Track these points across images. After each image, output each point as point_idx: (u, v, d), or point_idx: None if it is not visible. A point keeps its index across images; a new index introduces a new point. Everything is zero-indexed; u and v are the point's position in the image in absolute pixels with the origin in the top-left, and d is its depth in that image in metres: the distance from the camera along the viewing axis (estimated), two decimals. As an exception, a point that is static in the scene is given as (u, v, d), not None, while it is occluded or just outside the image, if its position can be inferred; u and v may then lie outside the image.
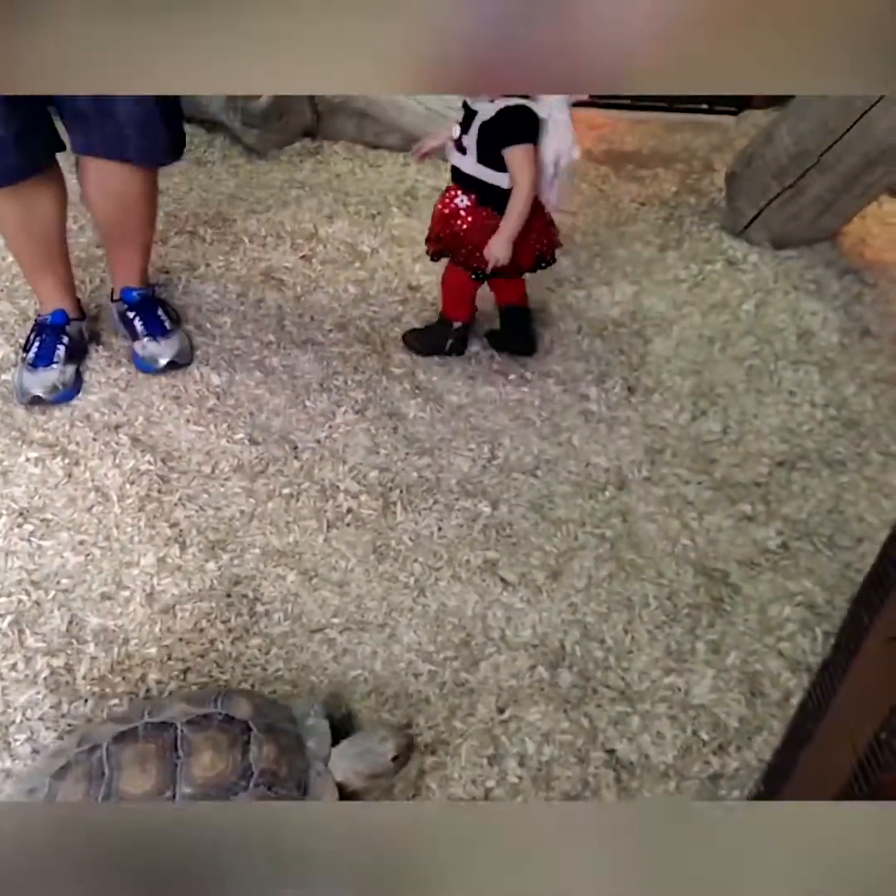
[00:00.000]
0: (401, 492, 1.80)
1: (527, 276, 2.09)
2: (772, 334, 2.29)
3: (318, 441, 1.91)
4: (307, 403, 2.00)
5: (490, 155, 1.83)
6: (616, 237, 2.69)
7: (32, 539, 1.63)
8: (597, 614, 1.60)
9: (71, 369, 1.96)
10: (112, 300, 2.12)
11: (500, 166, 1.83)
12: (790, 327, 2.31)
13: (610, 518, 1.77)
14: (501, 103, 1.76)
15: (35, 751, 1.33)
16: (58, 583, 1.57)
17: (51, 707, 1.38)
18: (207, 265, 2.42)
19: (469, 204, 1.91)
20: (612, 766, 1.38)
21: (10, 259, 2.12)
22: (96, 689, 1.41)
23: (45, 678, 1.42)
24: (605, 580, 1.65)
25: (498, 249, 1.87)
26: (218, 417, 1.94)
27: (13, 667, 1.43)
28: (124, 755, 1.16)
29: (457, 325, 2.14)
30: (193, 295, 2.30)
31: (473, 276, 2.01)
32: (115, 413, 1.93)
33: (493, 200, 1.87)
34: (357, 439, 1.92)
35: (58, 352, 1.95)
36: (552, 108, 1.78)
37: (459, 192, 1.92)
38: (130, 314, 2.05)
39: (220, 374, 2.06)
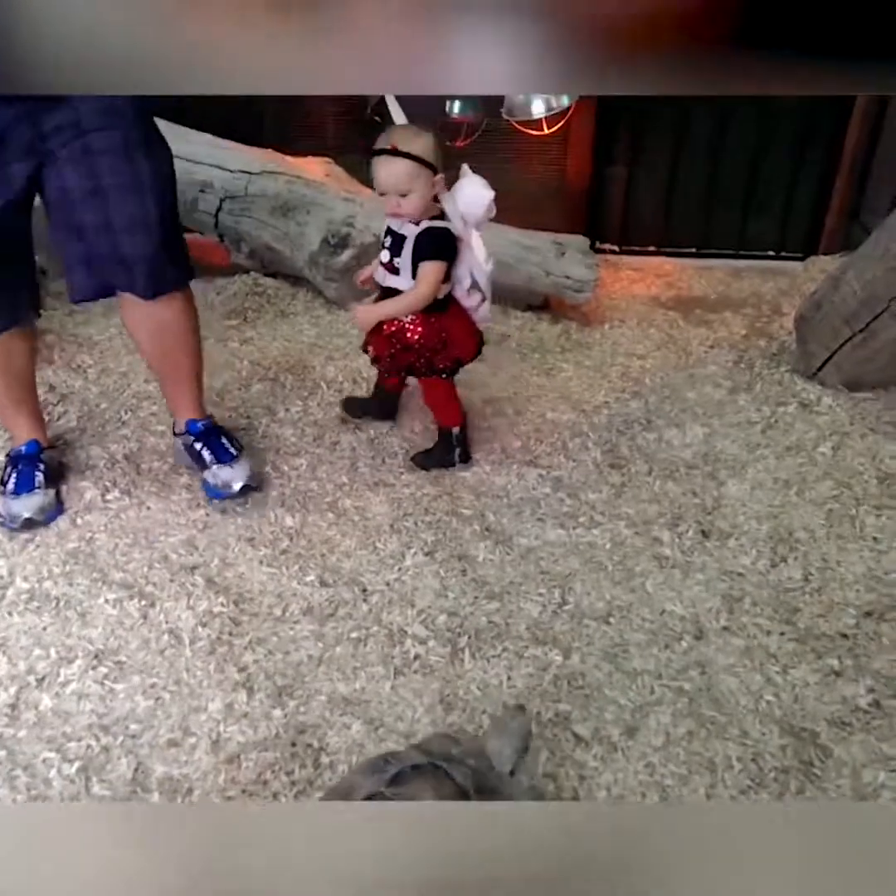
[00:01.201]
0: (469, 638, 1.77)
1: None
2: (851, 478, 2.23)
3: (388, 584, 1.91)
4: (377, 545, 2.02)
5: (415, 271, 2.03)
6: (686, 379, 2.71)
7: (106, 682, 1.65)
8: (676, 776, 1.50)
9: (52, 492, 2.07)
10: (175, 435, 2.21)
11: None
12: (870, 470, 2.26)
13: (687, 670, 1.70)
14: (426, 225, 1.98)
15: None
16: (126, 728, 1.57)
17: (110, 860, 1.35)
18: (287, 410, 2.52)
19: (413, 317, 2.08)
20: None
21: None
22: (157, 842, 1.38)
23: (107, 829, 1.40)
24: (683, 738, 1.56)
25: (362, 313, 2.11)
26: (290, 559, 1.97)
27: (77, 815, 1.41)
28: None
29: (456, 431, 2.27)
30: (272, 438, 2.39)
31: (444, 376, 2.16)
32: (191, 554, 1.97)
33: (429, 308, 2.07)
34: (426, 582, 1.91)
35: (37, 477, 2.06)
36: (465, 229, 2.01)
37: None
38: (197, 445, 2.13)
39: (294, 515, 2.10)
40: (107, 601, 1.82)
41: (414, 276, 2.02)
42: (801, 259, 3.60)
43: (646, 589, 1.90)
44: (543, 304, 3.12)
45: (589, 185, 3.57)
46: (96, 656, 1.70)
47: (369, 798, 1.20)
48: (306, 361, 2.77)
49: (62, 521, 2.05)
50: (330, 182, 3.11)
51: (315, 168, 3.16)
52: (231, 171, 3.02)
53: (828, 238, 3.56)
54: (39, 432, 2.16)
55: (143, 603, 1.82)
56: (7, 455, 2.15)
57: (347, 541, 2.04)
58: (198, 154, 3.02)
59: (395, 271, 2.07)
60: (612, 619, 1.82)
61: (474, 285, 2.11)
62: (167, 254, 1.94)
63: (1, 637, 1.74)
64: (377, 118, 3.50)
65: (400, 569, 1.95)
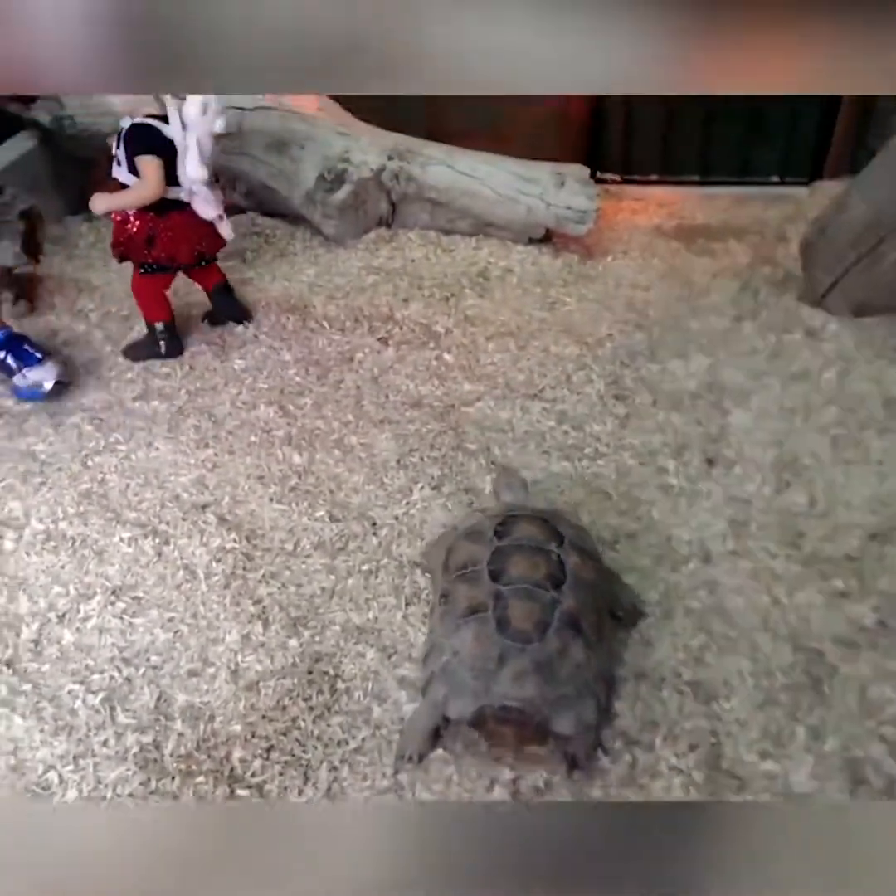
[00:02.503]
0: (479, 568, 1.80)
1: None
2: (856, 403, 2.24)
3: (396, 517, 1.93)
4: (385, 480, 2.04)
5: (133, 165, 2.17)
6: (689, 310, 2.70)
7: (125, 616, 1.68)
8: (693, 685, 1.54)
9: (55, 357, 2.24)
10: None
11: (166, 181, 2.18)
12: (875, 395, 2.26)
13: (696, 590, 1.73)
14: (132, 120, 2.15)
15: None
16: (147, 660, 1.60)
17: (140, 784, 1.40)
18: (289, 350, 2.51)
19: (135, 211, 2.24)
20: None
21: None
22: (183, 766, 1.43)
23: (134, 755, 1.44)
24: (698, 650, 1.60)
25: (94, 200, 2.25)
26: (299, 496, 1.99)
27: (104, 743, 1.46)
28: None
29: (160, 326, 2.40)
30: (276, 378, 2.39)
31: (141, 271, 2.33)
32: (202, 493, 1.99)
33: (151, 206, 2.21)
34: (434, 515, 1.93)
35: (33, 351, 2.23)
36: (184, 134, 2.15)
37: None
38: (0, 354, 2.22)
39: (302, 453, 2.11)
40: (122, 540, 1.85)
41: (131, 169, 2.19)
42: (806, 184, 3.54)
43: (652, 516, 1.92)
44: (545, 237, 3.08)
45: (590, 114, 3.50)
46: (114, 592, 1.73)
47: (485, 535, 1.54)
48: (307, 301, 2.75)
49: (74, 464, 2.06)
50: (324, 116, 3.04)
51: (309, 102, 3.09)
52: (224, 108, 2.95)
53: (833, 162, 3.50)
54: None
55: (158, 541, 1.85)
56: None
57: (355, 477, 2.05)
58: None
59: (118, 163, 2.22)
60: (618, 546, 1.84)
61: (195, 192, 2.23)
62: None
63: (20, 576, 1.77)
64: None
65: (408, 503, 1.97)
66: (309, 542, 1.87)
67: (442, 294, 2.79)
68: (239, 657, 1.61)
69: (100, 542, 1.85)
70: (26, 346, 2.21)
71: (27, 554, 1.82)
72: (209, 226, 2.31)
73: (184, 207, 2.24)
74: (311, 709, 1.52)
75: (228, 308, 2.56)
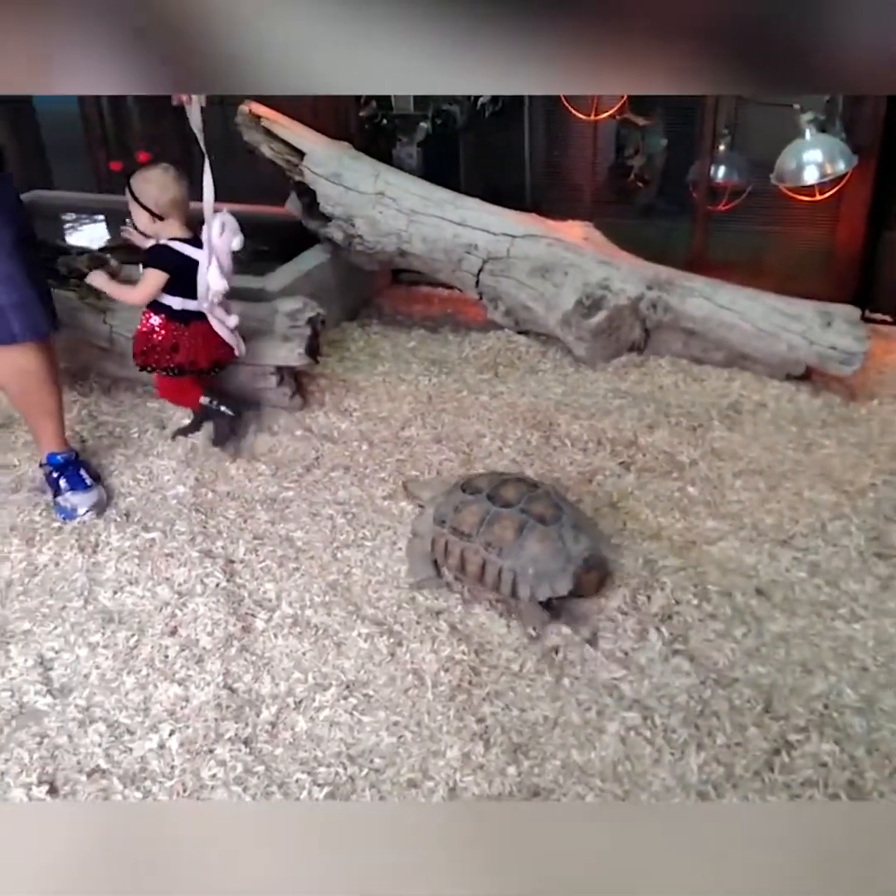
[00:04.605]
0: (715, 717, 1.69)
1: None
2: None
3: (625, 653, 1.87)
4: (618, 618, 1.99)
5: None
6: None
7: (355, 713, 1.75)
8: None
9: (102, 488, 2.42)
10: (40, 466, 2.45)
11: (173, 291, 2.44)
12: None
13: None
14: (154, 242, 2.43)
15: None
16: (371, 761, 1.65)
17: None
18: (531, 465, 2.57)
19: (160, 321, 2.48)
20: None
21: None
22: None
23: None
24: None
25: (93, 276, 2.53)
26: (529, 616, 1.99)
27: (322, 837, 1.50)
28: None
29: (204, 400, 2.61)
30: (516, 493, 2.44)
31: (164, 374, 2.55)
32: (437, 599, 2.05)
33: (176, 316, 2.47)
34: (665, 663, 1.85)
35: (86, 477, 2.41)
36: (208, 254, 2.35)
37: (152, 314, 2.49)
38: (55, 475, 2.39)
39: (535, 572, 2.13)
40: (359, 635, 1.94)
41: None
42: None
43: (916, 697, 1.73)
44: (804, 375, 2.95)
45: (861, 251, 3.36)
46: (348, 687, 1.81)
47: (481, 493, 2.04)
48: (552, 418, 2.81)
49: (325, 554, 2.21)
50: (588, 245, 3.16)
51: (574, 231, 3.23)
52: (495, 234, 3.16)
53: None
54: (63, 438, 2.44)
55: (391, 641, 1.92)
56: (44, 463, 2.41)
57: (585, 603, 2.02)
58: (467, 218, 3.19)
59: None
60: (872, 719, 1.66)
61: (218, 304, 2.45)
62: (17, 308, 2.17)
63: (267, 657, 1.90)
64: (640, 183, 3.54)
65: (637, 648, 1.90)
66: (534, 664, 1.86)
67: (689, 423, 2.74)
68: (458, 775, 1.61)
69: (340, 633, 1.95)
70: (82, 471, 2.42)
71: (275, 636, 1.95)
72: (216, 338, 2.54)
73: (203, 318, 2.48)
74: (524, 845, 1.48)
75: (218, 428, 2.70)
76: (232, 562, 2.18)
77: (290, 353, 2.76)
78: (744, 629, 1.93)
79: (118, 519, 2.34)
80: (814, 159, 3.07)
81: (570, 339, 3.09)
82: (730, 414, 2.81)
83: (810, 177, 3.09)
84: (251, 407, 2.80)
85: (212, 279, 2.39)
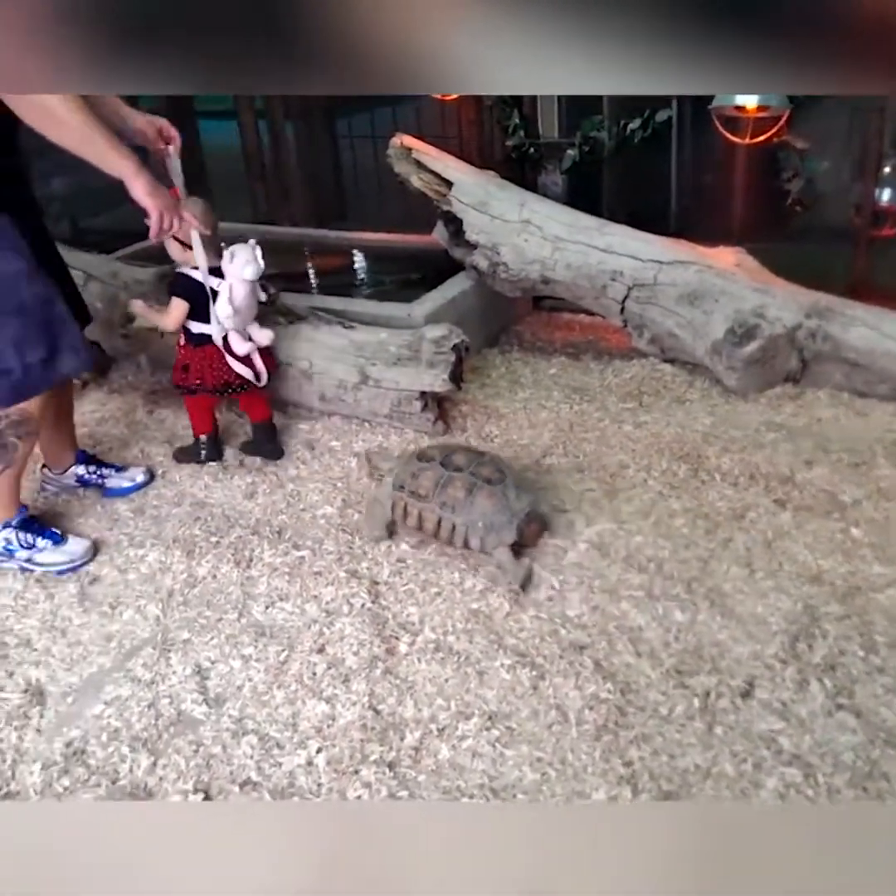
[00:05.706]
0: (873, 775, 1.57)
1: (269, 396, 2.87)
2: None
3: (783, 703, 1.77)
4: (768, 658, 1.89)
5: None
6: None
7: (497, 745, 1.72)
8: None
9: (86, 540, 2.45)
10: (59, 474, 2.65)
11: (200, 318, 2.61)
12: None
13: None
14: (177, 270, 2.61)
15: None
16: (514, 796, 1.62)
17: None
18: (678, 499, 2.48)
19: (183, 342, 2.66)
20: None
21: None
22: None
23: None
24: None
25: (133, 304, 2.72)
26: (677, 656, 1.91)
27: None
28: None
29: (202, 439, 2.79)
30: (663, 526, 2.36)
31: (184, 392, 2.73)
32: (581, 632, 2.01)
33: (192, 339, 2.65)
34: (828, 718, 1.74)
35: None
36: (224, 284, 2.54)
37: (183, 336, 2.66)
38: (91, 467, 2.66)
39: (684, 611, 2.04)
40: (502, 665, 1.92)
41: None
42: None
43: None
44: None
45: None
46: (490, 718, 1.79)
47: (435, 460, 2.30)
48: (700, 450, 2.72)
49: (467, 580, 2.21)
50: (740, 272, 3.06)
51: (726, 258, 3.13)
52: (642, 261, 3.11)
53: None
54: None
55: (534, 673, 1.89)
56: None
57: (738, 648, 1.93)
58: (612, 244, 3.15)
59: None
60: None
61: (228, 329, 2.60)
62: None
63: (410, 681, 1.91)
64: (799, 207, 3.40)
65: (797, 700, 1.79)
66: (684, 709, 1.78)
67: (851, 460, 2.59)
68: (604, 819, 1.55)
69: (482, 662, 1.94)
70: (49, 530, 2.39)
71: (418, 660, 1.96)
72: (222, 363, 2.67)
73: (203, 342, 2.65)
74: (675, 901, 1.41)
75: (262, 445, 2.85)
76: (376, 583, 2.22)
77: (435, 379, 2.80)
78: (915, 685, 1.79)
79: (271, 536, 2.42)
80: None
81: (720, 369, 2.99)
82: (896, 451, 2.63)
83: None
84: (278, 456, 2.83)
85: (219, 307, 2.56)
